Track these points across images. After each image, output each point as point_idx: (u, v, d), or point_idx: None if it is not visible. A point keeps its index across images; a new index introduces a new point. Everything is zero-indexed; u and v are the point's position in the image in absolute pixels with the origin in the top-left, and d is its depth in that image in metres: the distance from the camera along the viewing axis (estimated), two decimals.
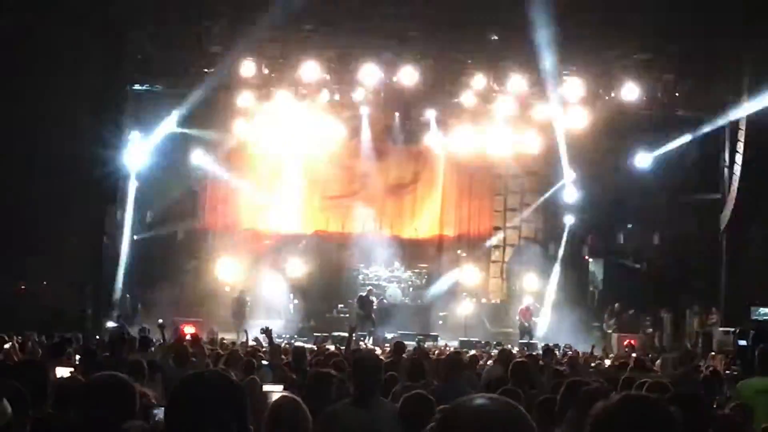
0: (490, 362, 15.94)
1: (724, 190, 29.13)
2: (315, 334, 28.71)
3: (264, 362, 13.52)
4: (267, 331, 12.98)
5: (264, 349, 16.94)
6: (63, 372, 10.13)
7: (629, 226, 33.03)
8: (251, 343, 19.75)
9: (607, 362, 19.13)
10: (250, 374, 11.62)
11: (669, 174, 29.82)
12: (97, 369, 6.97)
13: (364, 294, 30.31)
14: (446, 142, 33.38)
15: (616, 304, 31.20)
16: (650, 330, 29.97)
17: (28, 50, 23.25)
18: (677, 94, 29.71)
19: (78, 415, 4.54)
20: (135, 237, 30.80)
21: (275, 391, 10.01)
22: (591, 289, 33.50)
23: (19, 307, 23.99)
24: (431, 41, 28.69)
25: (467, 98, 30.54)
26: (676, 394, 5.30)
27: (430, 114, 32.71)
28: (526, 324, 30.34)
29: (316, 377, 8.60)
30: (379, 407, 7.05)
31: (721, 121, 28.76)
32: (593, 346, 21.66)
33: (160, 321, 18.74)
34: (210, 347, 18.49)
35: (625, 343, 28.04)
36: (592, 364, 17.68)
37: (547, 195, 33.77)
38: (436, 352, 20.57)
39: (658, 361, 19.07)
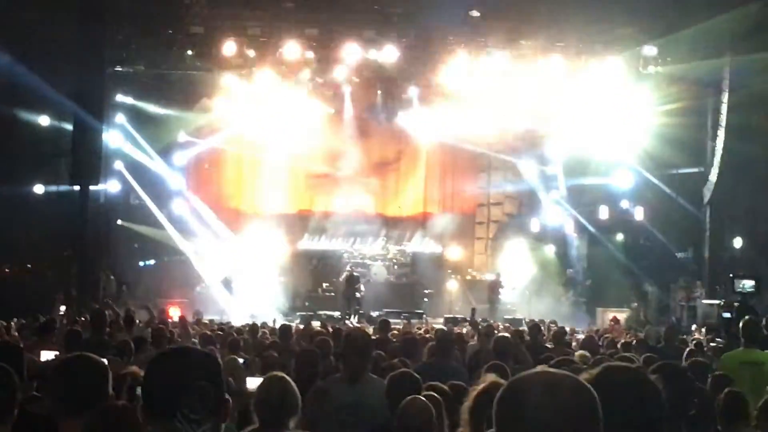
0: (474, 339, 15.97)
1: (707, 163, 29.21)
2: (300, 313, 28.73)
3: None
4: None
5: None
6: (48, 355, 10.10)
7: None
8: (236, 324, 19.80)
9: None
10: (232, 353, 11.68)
11: (652, 149, 29.81)
12: (81, 350, 6.94)
13: (347, 273, 30.31)
14: (429, 119, 33.27)
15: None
16: (635, 304, 30.10)
17: (5, 34, 23.04)
18: (659, 69, 29.71)
19: (49, 398, 4.53)
20: (120, 222, 30.75)
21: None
22: (573, 264, 33.59)
23: (2, 289, 23.93)
24: (412, 18, 28.60)
25: (449, 75, 30.43)
26: (659, 366, 5.32)
27: (413, 92, 32.61)
28: (492, 297, 30.38)
29: (301, 356, 8.62)
30: (369, 384, 7.08)
31: (704, 95, 28.86)
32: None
33: None
34: (196, 328, 18.52)
35: (610, 317, 28.19)
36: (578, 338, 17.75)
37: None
38: (422, 329, 20.57)
39: (642, 333, 19.19)
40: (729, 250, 28.13)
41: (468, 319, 25.14)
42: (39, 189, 27.73)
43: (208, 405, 3.26)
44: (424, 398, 6.10)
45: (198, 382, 3.26)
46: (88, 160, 26.88)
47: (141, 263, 31.24)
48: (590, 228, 33.19)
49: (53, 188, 27.63)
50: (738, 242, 27.99)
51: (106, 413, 3.98)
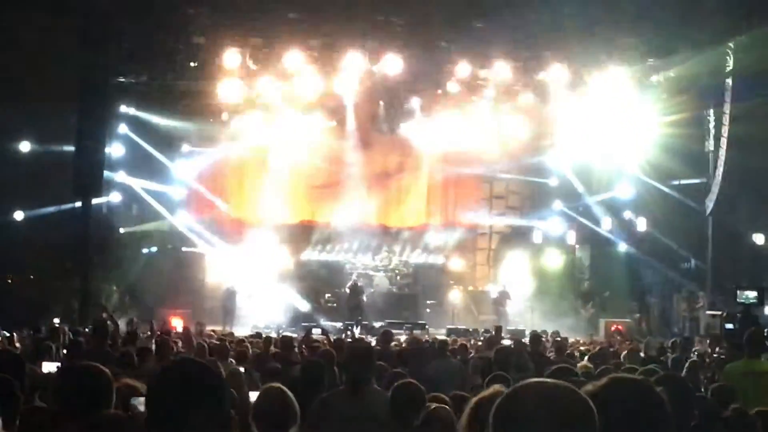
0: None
1: (710, 173, 29.16)
2: (303, 323, 28.69)
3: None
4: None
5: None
6: (49, 366, 10.11)
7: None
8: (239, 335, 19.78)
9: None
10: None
11: (654, 158, 29.77)
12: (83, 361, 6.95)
13: (351, 283, 30.30)
14: (431, 130, 33.26)
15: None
16: (637, 315, 30.06)
17: (8, 44, 23.06)
18: (661, 79, 29.70)
19: (52, 405, 4.53)
20: (121, 230, 30.75)
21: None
22: (578, 275, 33.56)
23: (4, 300, 23.90)
24: (415, 29, 28.59)
25: (452, 86, 30.48)
26: (660, 377, 5.32)
27: (415, 102, 32.58)
28: (500, 309, 30.32)
29: (307, 367, 8.61)
30: (372, 395, 7.06)
31: (706, 106, 28.83)
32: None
33: None
34: (199, 340, 18.49)
35: (613, 328, 28.15)
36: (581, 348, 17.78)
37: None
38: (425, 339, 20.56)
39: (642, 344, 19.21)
40: (731, 261, 28.05)
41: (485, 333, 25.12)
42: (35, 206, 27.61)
43: (215, 421, 3.24)
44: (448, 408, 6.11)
45: (202, 399, 3.23)
46: (90, 173, 26.86)
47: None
48: (593, 238, 33.18)
49: (52, 207, 27.53)
50: (740, 253, 27.89)
51: (99, 422, 3.97)
